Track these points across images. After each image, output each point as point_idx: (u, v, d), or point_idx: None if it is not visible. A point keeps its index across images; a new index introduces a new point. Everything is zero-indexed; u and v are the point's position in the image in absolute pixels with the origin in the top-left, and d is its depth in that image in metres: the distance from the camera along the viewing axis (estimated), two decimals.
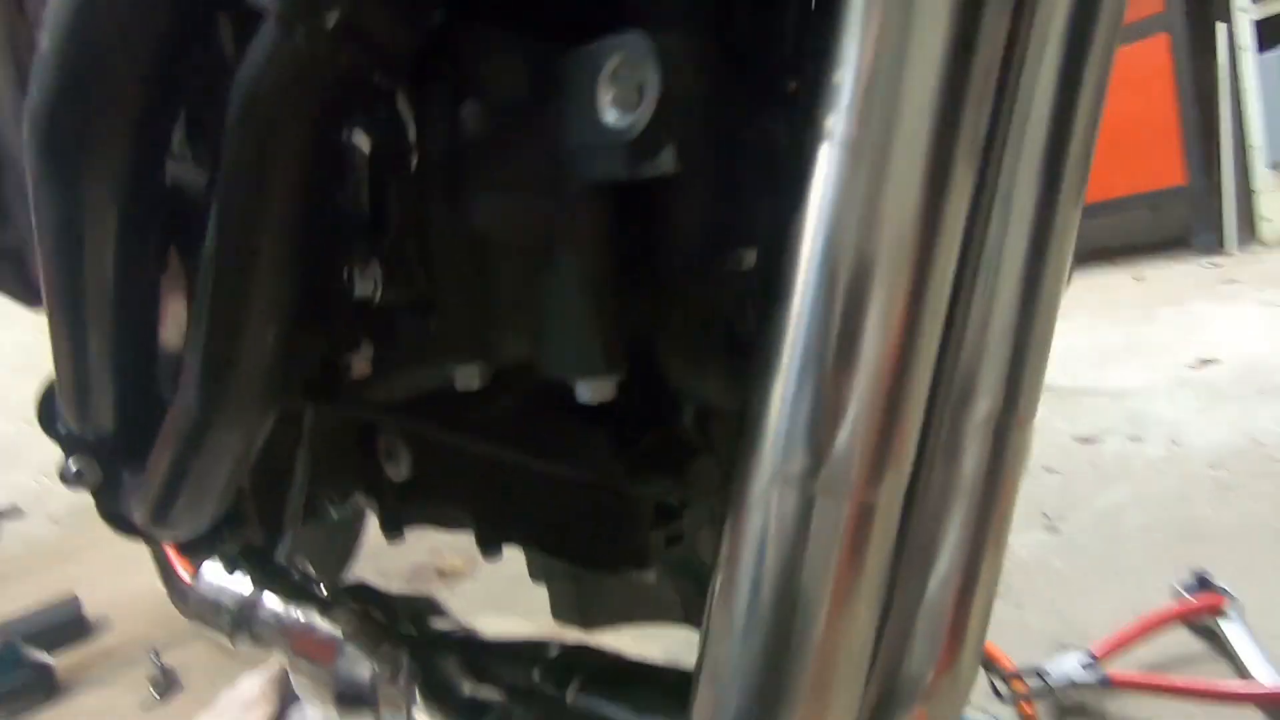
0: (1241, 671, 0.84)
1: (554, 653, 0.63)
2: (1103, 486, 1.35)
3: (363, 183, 0.36)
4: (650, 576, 0.59)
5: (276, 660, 1.17)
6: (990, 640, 1.01)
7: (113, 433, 0.50)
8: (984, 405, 0.38)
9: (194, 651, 1.60)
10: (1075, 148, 0.37)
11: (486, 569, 1.74)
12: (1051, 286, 0.38)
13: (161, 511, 0.46)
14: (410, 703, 0.61)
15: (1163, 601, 1.02)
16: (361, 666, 0.67)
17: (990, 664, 0.94)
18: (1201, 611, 0.90)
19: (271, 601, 0.83)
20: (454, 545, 1.91)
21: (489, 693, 0.58)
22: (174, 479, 0.43)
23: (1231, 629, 0.88)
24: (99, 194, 0.34)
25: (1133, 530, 1.23)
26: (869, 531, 0.31)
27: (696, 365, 0.39)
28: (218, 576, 0.86)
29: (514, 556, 0.66)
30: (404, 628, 0.66)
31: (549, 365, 0.36)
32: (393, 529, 0.71)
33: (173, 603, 1.82)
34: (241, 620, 0.83)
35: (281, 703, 1.12)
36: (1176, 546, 1.16)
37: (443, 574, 1.75)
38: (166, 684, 1.46)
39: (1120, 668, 0.87)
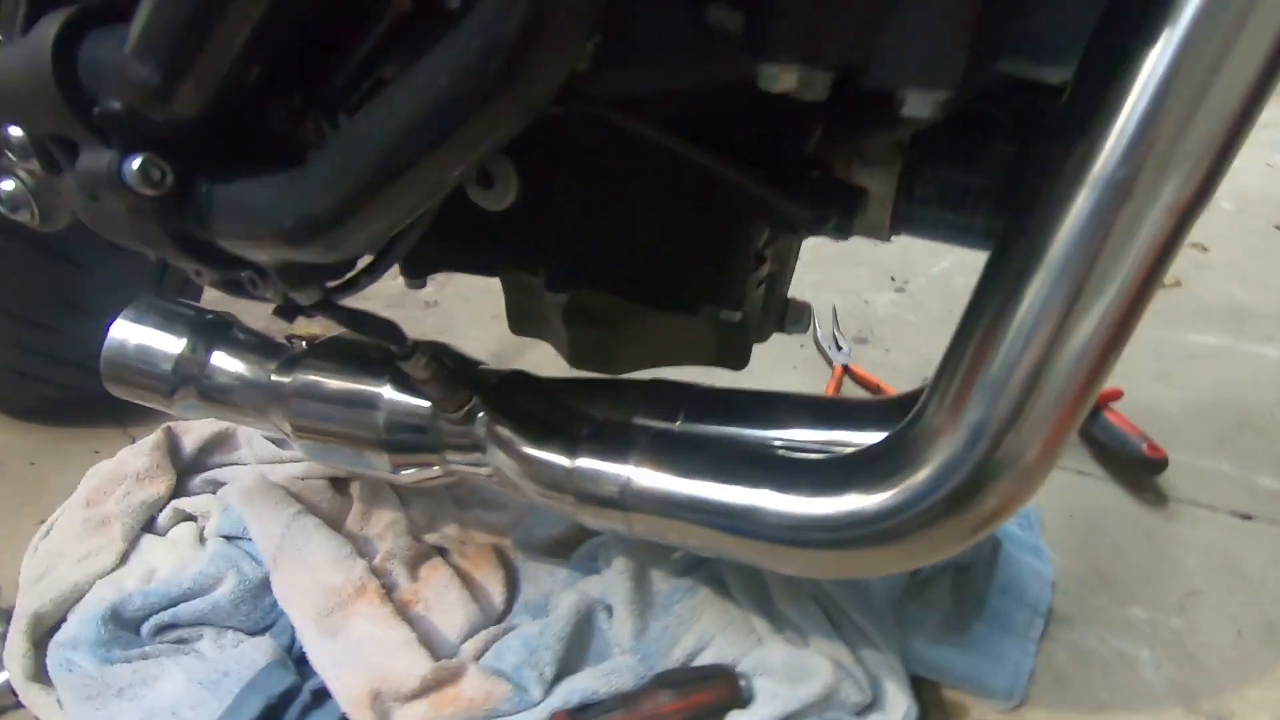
0: None
1: (642, 389, 0.65)
2: (935, 257, 1.61)
3: None
4: (736, 316, 0.62)
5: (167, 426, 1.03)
6: (872, 375, 1.22)
7: (195, 122, 0.37)
8: None
9: None
10: None
11: None
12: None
13: (333, 221, 0.36)
14: (493, 441, 0.60)
15: None
16: (410, 414, 0.64)
17: (878, 393, 1.15)
18: None
19: (222, 359, 0.72)
20: None
21: (578, 426, 0.59)
22: (376, 181, 0.34)
23: None
24: None
25: (961, 290, 1.50)
26: (1172, 244, 0.36)
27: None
28: (136, 335, 0.72)
29: None
30: (474, 372, 0.63)
31: (892, 72, 0.33)
32: (420, 272, 0.64)
33: None
34: (184, 379, 0.72)
35: (178, 473, 1.01)
36: None
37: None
38: None
39: None
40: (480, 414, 0.59)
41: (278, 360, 0.72)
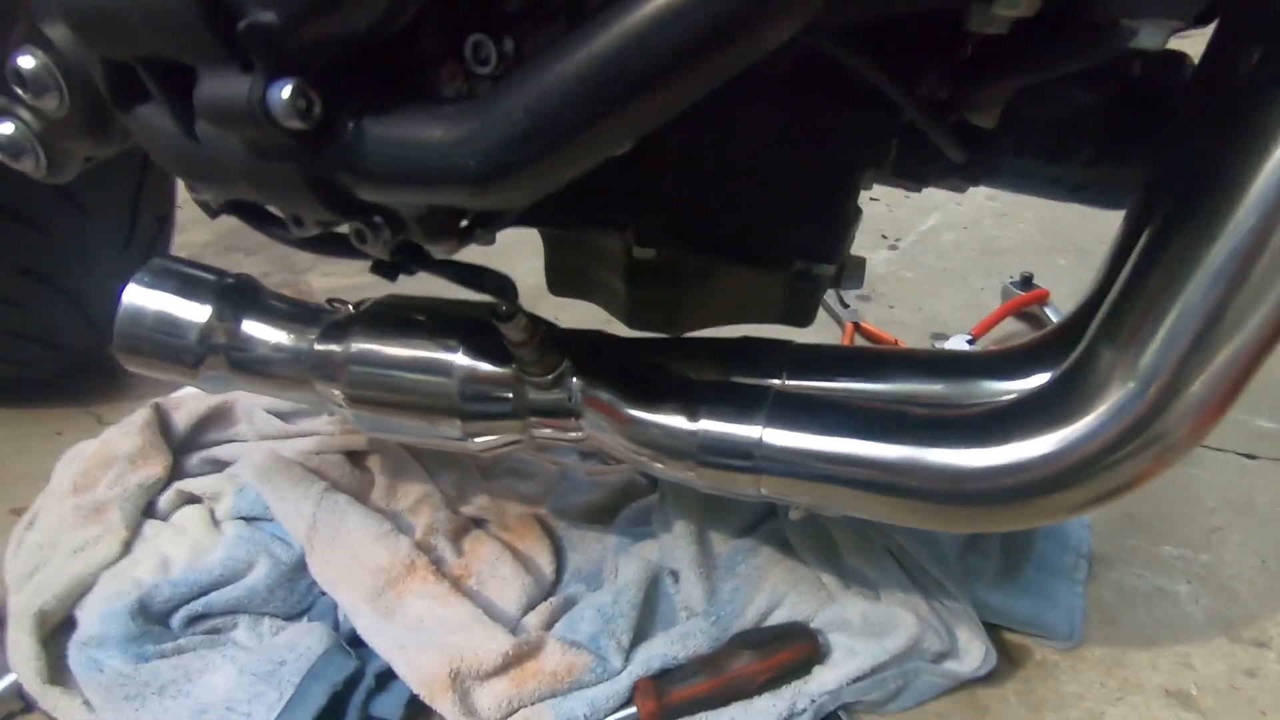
0: None
1: (737, 347, 0.63)
2: (920, 215, 1.63)
3: None
4: (831, 270, 0.60)
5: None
6: (882, 330, 1.23)
7: (347, 43, 0.31)
8: None
9: None
10: None
11: None
12: None
13: (529, 160, 0.32)
14: (594, 407, 0.57)
15: (984, 297, 1.34)
16: (490, 380, 0.59)
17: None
18: (1033, 301, 1.21)
19: (255, 327, 0.66)
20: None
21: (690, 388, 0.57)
22: (593, 112, 0.30)
23: (1050, 312, 1.19)
24: None
25: (949, 246, 1.53)
26: None
27: None
28: (154, 301, 0.65)
29: None
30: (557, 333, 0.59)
31: (1134, 2, 0.32)
32: (495, 229, 0.59)
33: None
34: (211, 350, 0.66)
35: (173, 451, 0.93)
36: (981, 257, 1.48)
37: None
38: None
39: (984, 343, 1.14)
40: (574, 379, 0.56)
41: (318, 327, 0.66)
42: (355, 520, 0.79)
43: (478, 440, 0.61)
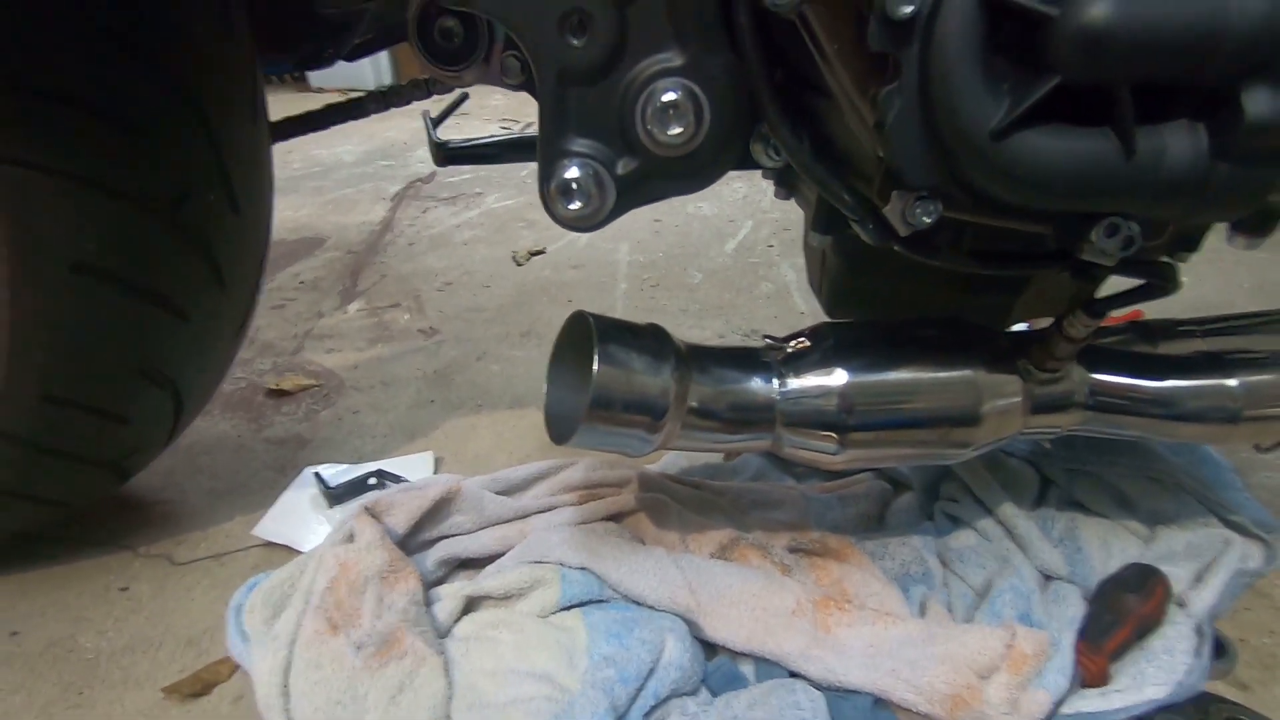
0: None
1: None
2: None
3: None
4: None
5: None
6: None
7: None
8: None
9: None
10: None
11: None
12: None
13: None
14: (1105, 391, 0.65)
15: None
16: (1005, 389, 0.65)
17: None
18: None
19: (709, 379, 0.64)
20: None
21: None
22: None
23: None
24: None
25: None
26: None
27: None
28: (628, 363, 0.61)
29: None
30: None
31: None
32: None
33: None
34: (672, 409, 0.63)
35: None
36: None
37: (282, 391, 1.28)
38: None
39: None
40: (1084, 371, 0.64)
41: (768, 368, 0.66)
42: (726, 573, 0.77)
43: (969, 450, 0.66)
